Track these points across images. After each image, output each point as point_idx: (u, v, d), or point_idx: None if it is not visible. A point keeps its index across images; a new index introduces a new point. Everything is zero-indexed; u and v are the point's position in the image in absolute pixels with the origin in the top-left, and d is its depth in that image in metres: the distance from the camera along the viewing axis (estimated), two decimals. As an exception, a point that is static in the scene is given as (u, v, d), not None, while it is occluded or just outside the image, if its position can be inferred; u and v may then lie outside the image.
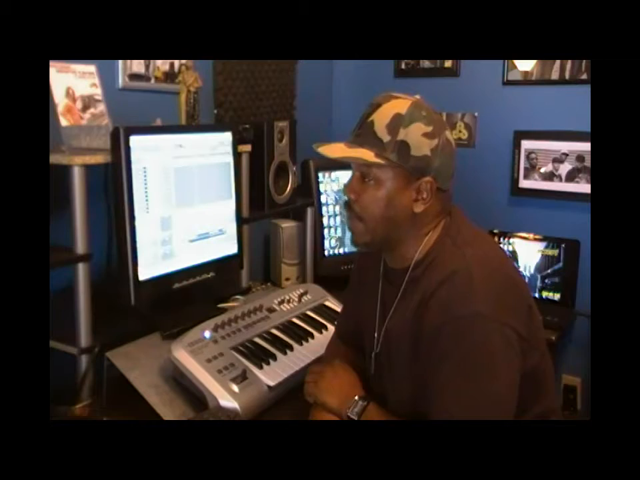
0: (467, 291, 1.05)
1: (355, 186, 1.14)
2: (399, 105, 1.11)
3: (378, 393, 1.24)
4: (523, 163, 2.42)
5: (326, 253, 2.20)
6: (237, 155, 1.73)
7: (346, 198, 1.17)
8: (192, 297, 1.65)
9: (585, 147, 2.26)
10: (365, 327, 1.29)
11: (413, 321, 1.12)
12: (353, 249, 2.22)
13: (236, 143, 1.73)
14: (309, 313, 1.69)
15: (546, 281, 2.34)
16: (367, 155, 1.09)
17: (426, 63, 2.59)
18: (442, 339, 1.05)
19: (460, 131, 2.53)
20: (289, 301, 1.69)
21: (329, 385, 1.24)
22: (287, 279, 2.11)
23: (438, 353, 1.06)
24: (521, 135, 2.41)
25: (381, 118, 1.10)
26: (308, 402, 1.26)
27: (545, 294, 2.33)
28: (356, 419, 1.16)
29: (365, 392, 1.22)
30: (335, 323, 1.58)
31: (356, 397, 1.19)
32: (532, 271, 2.35)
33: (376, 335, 1.24)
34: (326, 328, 1.64)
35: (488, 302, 1.04)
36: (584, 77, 2.26)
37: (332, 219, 2.22)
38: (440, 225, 1.16)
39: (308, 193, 2.16)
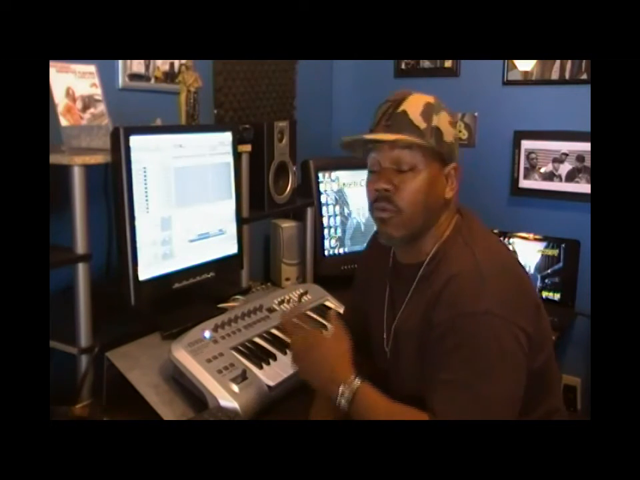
0: (477, 288, 1.06)
1: (391, 178, 1.12)
2: (424, 96, 1.15)
3: (385, 388, 1.24)
4: (523, 163, 2.41)
5: (326, 252, 2.20)
6: (237, 155, 1.73)
7: (376, 194, 1.13)
8: (192, 296, 1.65)
9: (585, 146, 2.26)
10: (373, 326, 1.29)
11: (422, 318, 1.12)
12: (353, 249, 2.27)
13: (236, 142, 1.72)
14: (309, 313, 1.69)
15: (546, 280, 2.34)
16: (412, 138, 1.10)
17: (426, 63, 2.58)
18: (450, 333, 1.05)
19: (460, 131, 2.52)
20: (288, 301, 1.69)
21: (317, 358, 1.15)
22: (287, 279, 2.11)
23: (446, 346, 1.05)
24: (520, 135, 2.41)
25: (413, 107, 1.12)
26: (308, 402, 1.25)
27: (544, 294, 2.33)
28: (347, 408, 1.08)
29: (355, 369, 1.12)
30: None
31: (341, 388, 1.09)
32: (532, 271, 2.35)
33: (385, 332, 1.24)
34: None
35: (498, 300, 1.05)
36: (584, 77, 2.26)
37: (332, 219, 2.22)
38: (453, 222, 1.18)
39: (308, 193, 2.16)
